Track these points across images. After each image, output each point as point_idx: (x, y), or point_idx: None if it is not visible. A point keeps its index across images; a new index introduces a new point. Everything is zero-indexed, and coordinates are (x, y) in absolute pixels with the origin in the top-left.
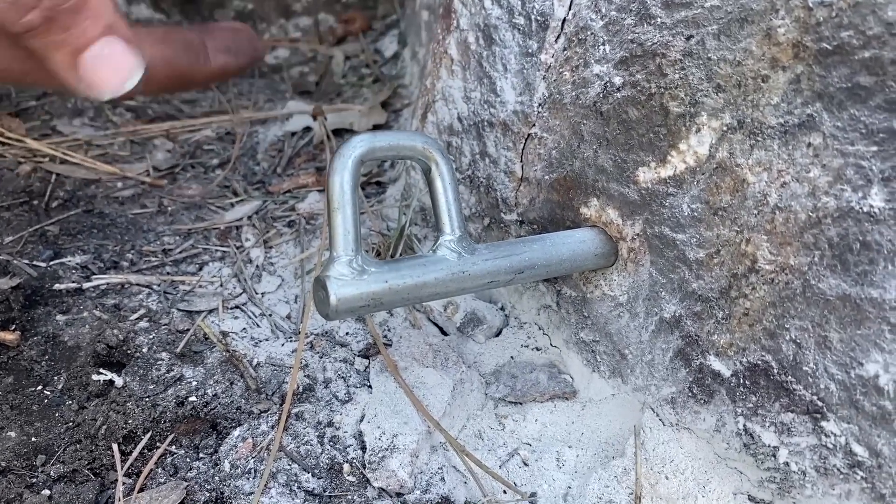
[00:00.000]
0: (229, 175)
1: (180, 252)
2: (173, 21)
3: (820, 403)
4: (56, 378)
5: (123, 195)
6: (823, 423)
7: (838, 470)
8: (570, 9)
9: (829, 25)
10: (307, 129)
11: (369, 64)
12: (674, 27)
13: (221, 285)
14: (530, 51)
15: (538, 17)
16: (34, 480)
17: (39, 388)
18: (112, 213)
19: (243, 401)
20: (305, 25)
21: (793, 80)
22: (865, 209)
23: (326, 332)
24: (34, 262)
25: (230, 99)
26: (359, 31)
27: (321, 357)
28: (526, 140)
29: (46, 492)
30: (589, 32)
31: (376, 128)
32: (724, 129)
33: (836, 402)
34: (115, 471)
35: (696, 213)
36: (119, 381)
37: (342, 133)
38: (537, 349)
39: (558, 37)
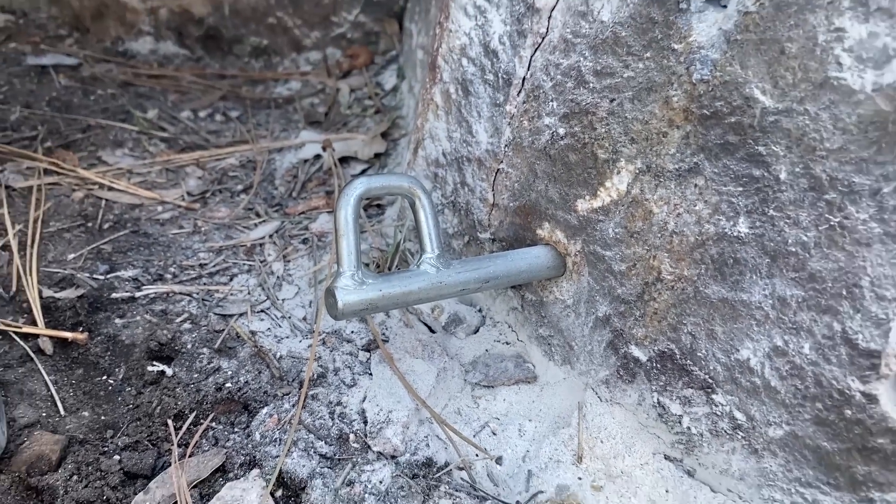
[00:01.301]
0: (252, 199)
1: (214, 266)
2: (196, 56)
3: (710, 381)
4: (117, 370)
5: (163, 217)
6: (714, 396)
7: (725, 432)
8: (528, 69)
9: (707, 97)
10: (318, 156)
11: (371, 96)
12: (601, 91)
13: (249, 293)
14: (498, 102)
15: (504, 75)
16: (106, 449)
17: (104, 377)
18: (155, 233)
19: (269, 386)
20: (315, 59)
21: (684, 136)
22: (735, 234)
23: (335, 331)
24: (94, 276)
25: (250, 129)
26: (362, 66)
27: (331, 351)
28: (496, 174)
29: (117, 457)
30: (541, 91)
31: (377, 156)
32: (637, 171)
33: (721, 379)
34: (170, 442)
35: (618, 236)
36: (169, 372)
37: (348, 160)
38: (507, 343)
39: (519, 91)
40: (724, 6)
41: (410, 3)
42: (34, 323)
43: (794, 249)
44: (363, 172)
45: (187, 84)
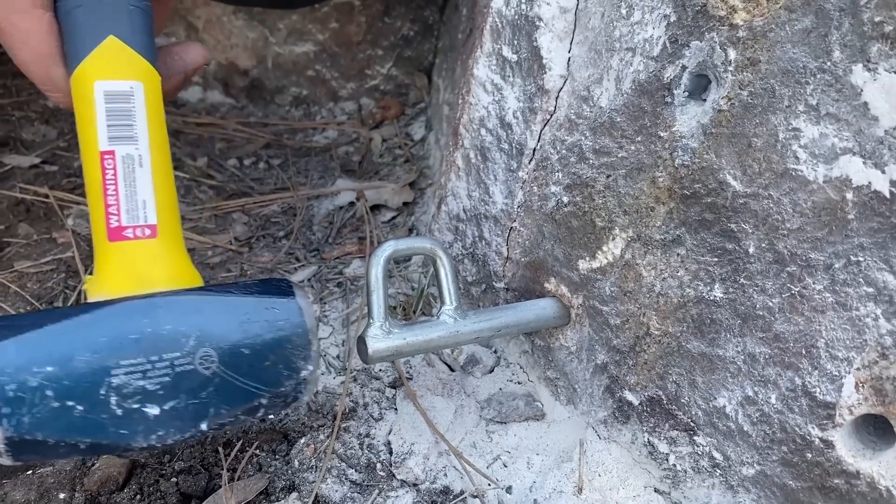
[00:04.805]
0: (292, 244)
1: None
2: (241, 105)
3: (692, 424)
4: None
5: (214, 261)
6: (696, 438)
7: (705, 469)
8: (538, 141)
9: (688, 180)
10: (352, 203)
11: (401, 146)
12: (599, 167)
13: None
14: (512, 168)
15: (517, 146)
16: (164, 472)
17: None
18: (207, 276)
19: (306, 418)
20: (350, 109)
21: (668, 211)
22: (712, 298)
23: (365, 369)
24: None
25: (291, 177)
26: (394, 117)
27: (362, 387)
28: (510, 231)
29: (174, 480)
30: (548, 162)
31: (405, 204)
32: (629, 239)
33: (702, 423)
34: (220, 467)
35: (613, 294)
36: None
37: (379, 207)
38: (518, 383)
39: (531, 160)
40: (704, 100)
41: (439, 59)
42: None
43: (761, 313)
44: (392, 220)
45: (232, 132)
